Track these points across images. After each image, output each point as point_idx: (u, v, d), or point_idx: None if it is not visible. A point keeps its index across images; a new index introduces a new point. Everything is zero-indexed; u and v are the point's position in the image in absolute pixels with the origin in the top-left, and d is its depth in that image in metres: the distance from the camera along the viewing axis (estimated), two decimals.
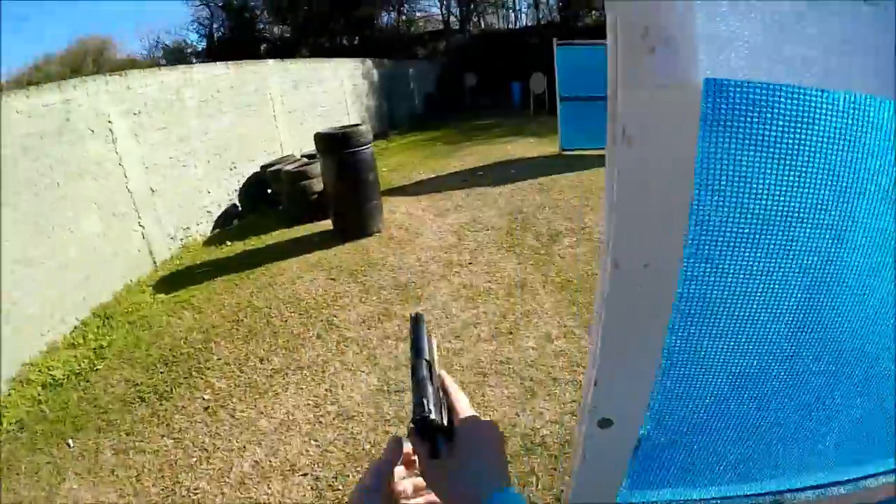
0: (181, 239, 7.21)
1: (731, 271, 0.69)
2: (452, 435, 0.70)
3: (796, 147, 0.62)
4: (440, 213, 7.80)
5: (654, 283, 0.66)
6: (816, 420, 0.93)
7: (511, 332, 4.34)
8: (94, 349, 4.72)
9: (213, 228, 7.93)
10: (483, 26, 33.95)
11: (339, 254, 6.47)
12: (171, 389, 3.97)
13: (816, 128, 0.61)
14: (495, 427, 0.72)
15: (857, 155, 0.65)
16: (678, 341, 0.74)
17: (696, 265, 0.67)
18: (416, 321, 0.80)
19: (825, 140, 0.63)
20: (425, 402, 0.70)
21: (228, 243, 7.21)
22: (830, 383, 0.88)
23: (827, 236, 0.71)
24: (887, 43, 0.57)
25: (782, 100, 0.59)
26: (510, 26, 33.97)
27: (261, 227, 7.67)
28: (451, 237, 6.81)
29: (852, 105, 0.62)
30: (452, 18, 33.21)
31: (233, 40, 28.58)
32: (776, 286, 0.73)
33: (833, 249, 0.72)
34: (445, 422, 0.70)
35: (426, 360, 0.75)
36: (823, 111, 0.61)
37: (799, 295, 0.75)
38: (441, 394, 0.74)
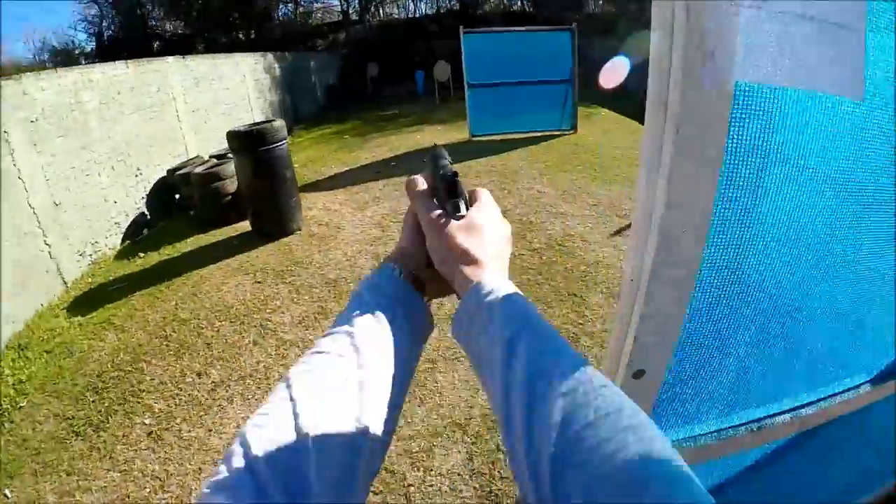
0: (90, 255, 6.80)
1: (737, 244, 0.88)
2: (471, 202, 0.77)
3: (792, 137, 0.82)
4: (360, 207, 7.79)
5: (687, 251, 0.81)
6: (788, 354, 1.16)
7: (450, 316, 4.30)
8: (14, 385, 4.36)
9: (124, 240, 7.55)
10: (382, 16, 33.76)
11: (262, 255, 6.35)
12: (107, 418, 3.76)
13: (805, 125, 0.82)
14: (507, 224, 0.78)
15: (826, 138, 0.87)
16: (697, 299, 0.90)
17: (715, 233, 0.84)
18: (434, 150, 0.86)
19: (805, 131, 0.83)
20: (450, 162, 0.80)
21: (142, 255, 6.88)
22: (800, 325, 1.12)
23: (805, 216, 0.94)
24: (857, 61, 0.79)
25: (785, 101, 0.77)
26: (409, 16, 33.92)
27: (174, 235, 7.37)
28: (374, 230, 6.84)
29: (834, 106, 0.83)
30: (351, 10, 32.84)
31: (124, 38, 27.26)
32: (766, 256, 0.94)
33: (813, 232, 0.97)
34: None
35: (448, 161, 0.81)
36: (811, 111, 0.81)
37: (779, 264, 0.97)
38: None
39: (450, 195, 0.75)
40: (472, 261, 0.69)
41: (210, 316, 5.03)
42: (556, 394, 0.48)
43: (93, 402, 3.96)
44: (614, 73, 15.26)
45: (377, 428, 0.56)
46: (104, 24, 29.45)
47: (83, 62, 27.37)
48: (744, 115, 0.74)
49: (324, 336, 0.63)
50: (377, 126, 15.28)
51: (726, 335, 1.01)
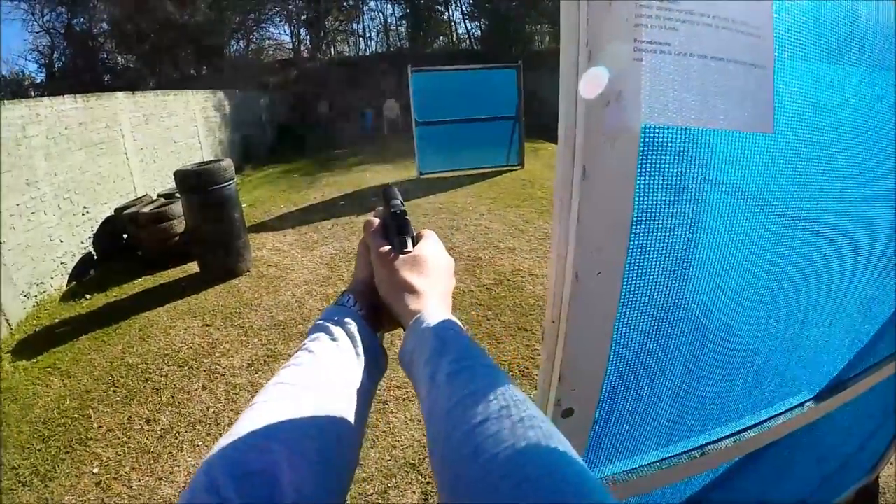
0: (36, 296, 6.63)
1: (656, 275, 0.90)
2: (417, 241, 0.82)
3: (703, 174, 0.86)
4: (308, 247, 7.78)
5: (605, 289, 0.84)
6: (724, 379, 1.19)
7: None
8: None
9: (70, 281, 7.38)
10: (333, 54, 33.93)
11: (211, 297, 6.28)
12: (55, 468, 3.66)
13: (715, 159, 0.86)
14: (451, 260, 0.85)
15: (739, 173, 0.92)
16: (621, 334, 0.93)
17: (633, 271, 0.87)
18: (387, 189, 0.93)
19: (721, 169, 0.88)
20: (401, 202, 0.86)
21: (88, 297, 6.74)
22: (734, 349, 1.17)
23: (722, 245, 0.99)
24: (765, 96, 0.82)
25: (695, 140, 0.82)
26: (360, 53, 34.17)
27: (121, 277, 7.24)
28: (323, 270, 6.83)
29: (738, 139, 0.87)
30: (302, 47, 32.96)
31: (75, 70, 26.77)
32: (689, 284, 0.98)
33: (729, 259, 1.02)
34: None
35: (399, 201, 0.87)
36: (720, 146, 0.86)
37: (704, 292, 1.02)
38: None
39: (399, 231, 0.80)
40: (415, 293, 0.74)
41: (158, 360, 4.95)
42: (473, 424, 0.49)
43: (39, 450, 3.85)
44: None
45: (343, 459, 0.58)
46: (55, 54, 28.95)
47: (32, 93, 26.78)
48: (653, 156, 0.78)
49: (285, 367, 0.65)
50: (326, 165, 15.30)
51: (656, 367, 1.04)
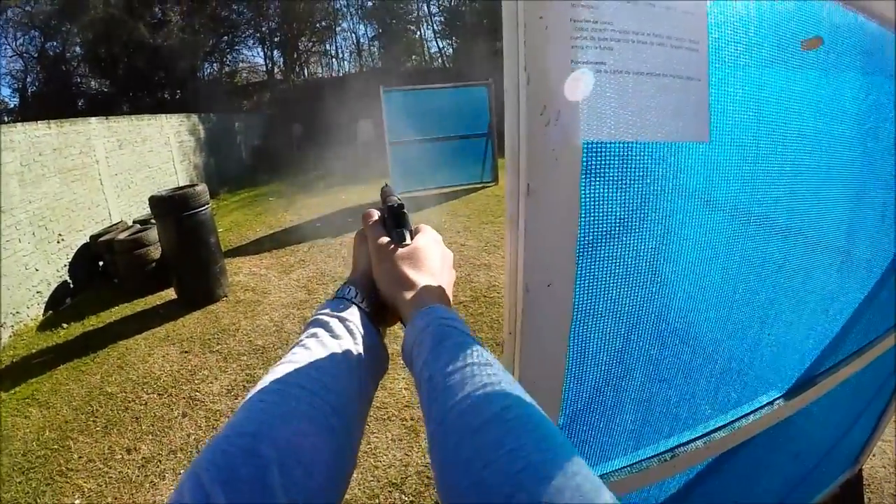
0: (12, 326, 6.58)
1: (608, 284, 0.94)
2: (415, 234, 0.83)
3: (646, 184, 0.90)
4: (285, 270, 7.78)
5: (556, 299, 0.87)
6: (689, 380, 1.21)
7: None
8: None
9: (46, 310, 7.32)
10: (306, 75, 33.96)
11: (188, 324, 6.25)
12: (35, 500, 3.63)
13: (659, 169, 0.90)
14: (450, 252, 0.85)
15: (682, 181, 0.95)
16: (576, 344, 0.95)
17: (584, 281, 0.90)
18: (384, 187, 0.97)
19: (666, 178, 0.92)
20: (397, 198, 0.87)
21: (65, 325, 6.69)
22: (695, 351, 1.19)
23: (675, 251, 1.02)
24: (701, 107, 0.86)
25: (635, 153, 0.85)
26: (334, 74, 34.23)
27: (98, 305, 7.19)
28: (300, 293, 6.82)
29: (677, 149, 0.91)
30: (276, 69, 32.97)
31: (48, 95, 26.51)
32: (642, 291, 1.00)
33: (678, 263, 1.05)
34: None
35: (396, 197, 0.89)
36: (662, 156, 0.90)
37: (659, 297, 1.04)
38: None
39: (396, 225, 0.81)
40: (414, 287, 0.73)
41: (137, 388, 4.93)
42: (469, 429, 0.50)
43: (19, 482, 3.83)
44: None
45: (339, 462, 0.57)
46: (28, 79, 28.65)
47: (6, 119, 26.46)
48: (596, 170, 0.80)
49: (281, 363, 0.62)
50: (302, 187, 15.24)
51: (617, 373, 1.05)
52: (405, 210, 0.83)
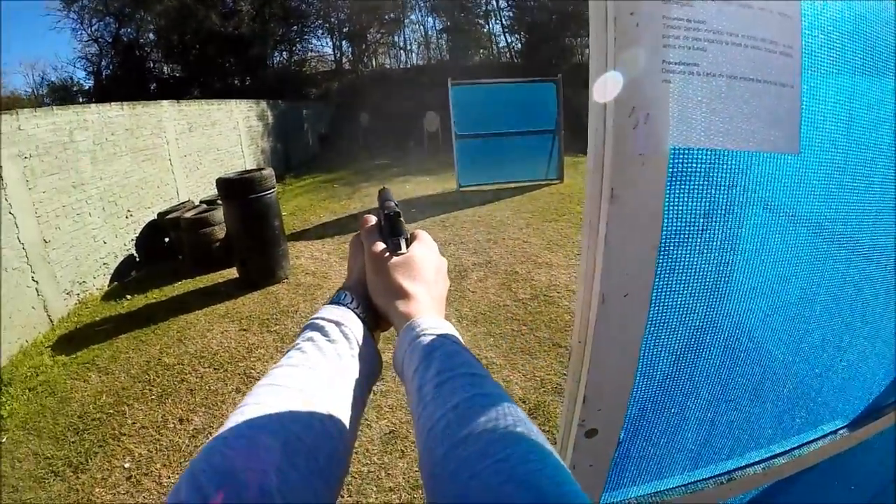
0: (78, 294, 6.80)
1: (684, 297, 0.89)
2: (411, 241, 0.82)
3: (731, 195, 0.85)
4: (346, 257, 7.74)
5: (631, 310, 0.83)
6: (754, 403, 1.15)
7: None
8: None
9: (111, 282, 7.56)
10: (375, 66, 34.30)
11: (248, 303, 6.35)
12: (87, 460, 3.73)
13: (744, 179, 0.85)
14: (444, 261, 0.85)
15: (768, 193, 0.89)
16: (646, 357, 0.91)
17: (660, 293, 0.85)
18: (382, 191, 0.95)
19: (751, 189, 0.87)
20: (395, 203, 0.86)
21: (129, 297, 6.89)
22: (764, 373, 1.13)
23: (753, 266, 0.97)
24: (793, 116, 0.80)
25: (723, 161, 0.81)
26: (401, 66, 34.48)
27: (162, 279, 7.38)
28: None
29: (765, 159, 0.85)
30: (344, 59, 33.40)
31: (122, 78, 27.50)
32: (717, 306, 0.95)
33: (758, 280, 0.99)
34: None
35: (393, 202, 0.88)
36: (749, 165, 0.84)
37: (734, 314, 0.99)
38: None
39: (392, 233, 0.81)
40: (407, 297, 0.74)
41: (194, 362, 5.02)
42: (455, 440, 0.50)
43: (73, 442, 3.95)
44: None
45: (333, 465, 0.56)
46: (103, 62, 29.72)
47: (80, 99, 27.60)
48: (682, 177, 0.78)
49: (277, 366, 0.63)
50: (366, 176, 15.38)
51: (684, 390, 1.03)
52: (401, 217, 0.83)
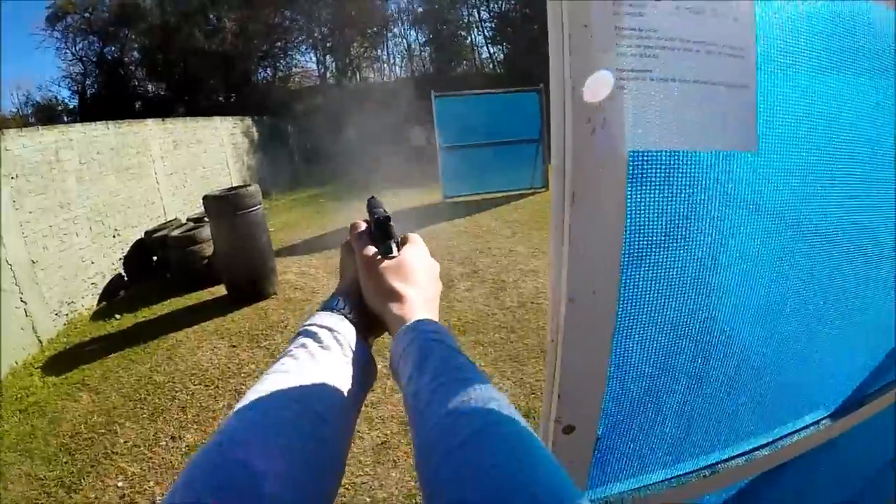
0: (66, 314, 6.79)
1: (653, 294, 0.92)
2: (402, 245, 0.83)
3: (692, 194, 0.87)
4: (334, 271, 7.65)
5: (600, 308, 0.86)
6: (732, 396, 1.17)
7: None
8: None
9: (100, 301, 7.54)
10: (358, 79, 34.31)
11: (238, 319, 6.35)
12: (80, 480, 3.71)
13: (705, 178, 0.87)
14: (436, 264, 0.86)
15: (729, 190, 0.92)
16: (620, 352, 0.94)
17: (628, 291, 0.88)
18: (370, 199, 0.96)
19: (712, 188, 0.89)
20: (384, 209, 0.87)
21: (118, 316, 6.87)
22: (739, 366, 1.15)
23: (720, 261, 0.99)
24: (749, 115, 0.84)
25: (682, 161, 0.83)
26: (385, 79, 34.52)
27: (150, 297, 7.37)
28: None
29: (724, 158, 0.88)
30: (328, 74, 33.41)
31: (106, 97, 27.37)
32: (687, 301, 0.97)
33: (725, 273, 1.01)
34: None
35: (382, 209, 0.89)
36: (709, 165, 0.87)
37: (704, 308, 1.01)
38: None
39: (383, 237, 0.82)
40: (400, 300, 0.74)
41: (185, 379, 5.01)
42: (450, 446, 0.50)
43: (65, 463, 3.92)
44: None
45: (328, 471, 0.57)
46: (87, 81, 29.58)
47: (66, 119, 27.46)
48: (641, 179, 0.80)
49: (271, 373, 0.63)
50: (353, 189, 15.35)
51: (659, 384, 1.04)
52: (391, 222, 0.84)
